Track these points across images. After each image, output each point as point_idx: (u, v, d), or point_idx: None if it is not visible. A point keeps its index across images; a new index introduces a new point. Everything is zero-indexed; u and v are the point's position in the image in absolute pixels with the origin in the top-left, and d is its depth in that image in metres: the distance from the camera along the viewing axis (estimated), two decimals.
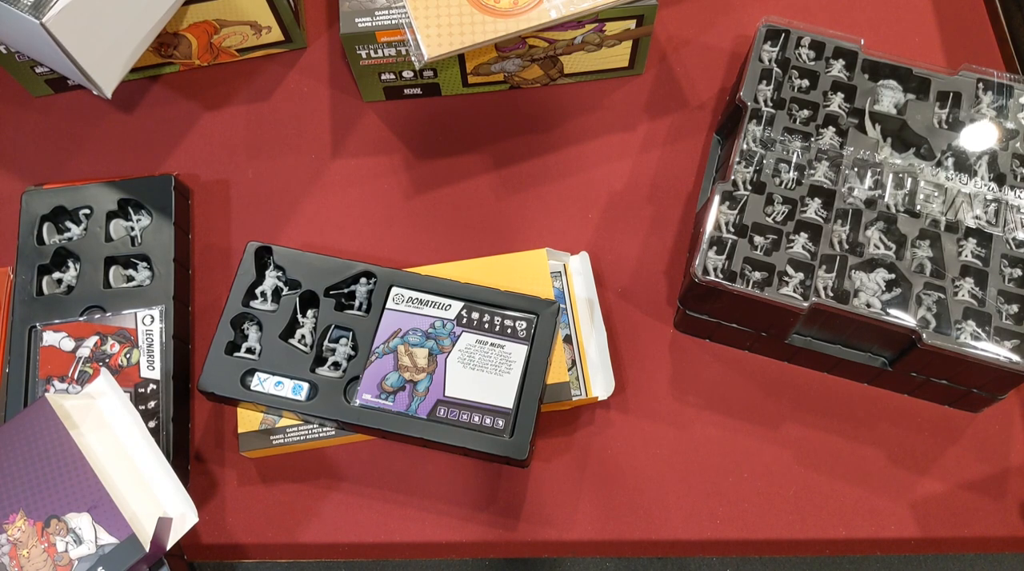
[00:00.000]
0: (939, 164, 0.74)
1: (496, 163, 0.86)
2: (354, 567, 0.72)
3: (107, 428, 0.69)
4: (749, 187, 0.73)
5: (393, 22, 0.78)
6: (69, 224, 0.81)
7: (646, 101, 0.89)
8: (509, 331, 0.72)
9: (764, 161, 0.74)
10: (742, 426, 0.75)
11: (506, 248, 0.80)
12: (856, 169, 0.74)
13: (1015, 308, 0.68)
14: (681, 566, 0.72)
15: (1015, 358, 0.66)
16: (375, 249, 0.83)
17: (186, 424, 0.76)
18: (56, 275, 0.79)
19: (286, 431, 0.72)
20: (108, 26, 0.72)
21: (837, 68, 0.78)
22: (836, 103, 0.77)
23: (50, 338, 0.75)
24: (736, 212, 0.72)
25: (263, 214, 0.85)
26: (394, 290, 0.74)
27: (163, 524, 0.64)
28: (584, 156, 0.86)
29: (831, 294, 0.69)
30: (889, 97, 0.77)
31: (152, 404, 0.74)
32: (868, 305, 0.69)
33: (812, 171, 0.74)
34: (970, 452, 0.74)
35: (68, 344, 0.75)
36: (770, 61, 0.79)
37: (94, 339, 0.75)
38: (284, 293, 0.75)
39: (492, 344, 0.72)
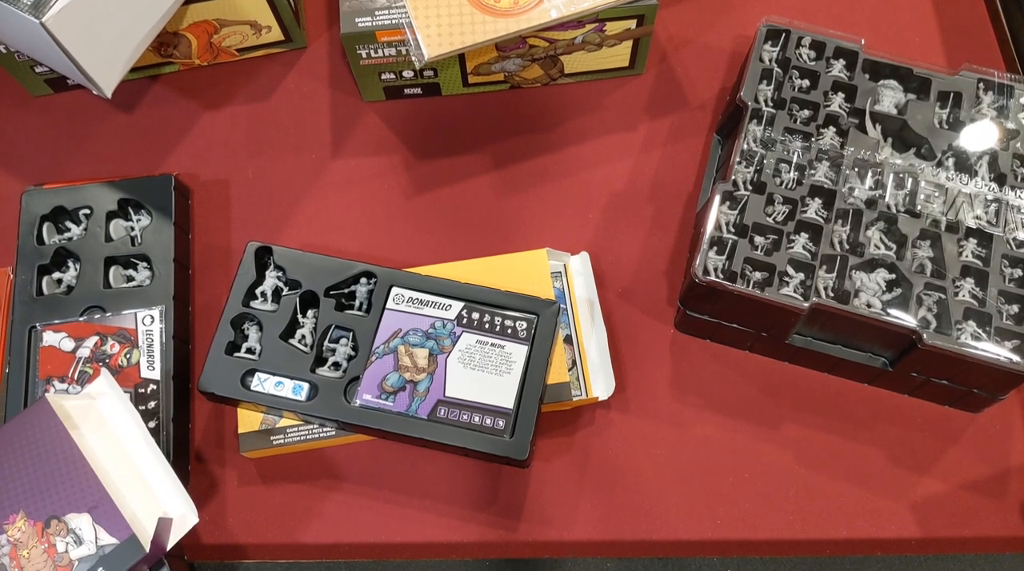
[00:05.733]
0: (940, 164, 0.74)
1: (496, 163, 0.86)
2: (354, 567, 0.72)
3: (107, 428, 0.69)
4: (749, 187, 0.73)
5: (393, 22, 0.78)
6: (69, 224, 0.81)
7: (646, 101, 0.89)
8: (509, 331, 0.72)
9: (764, 161, 0.74)
10: (742, 426, 0.75)
11: (506, 248, 0.80)
12: (856, 169, 0.74)
13: (1015, 308, 0.68)
14: (681, 566, 0.72)
15: (1015, 358, 0.66)
16: (375, 249, 0.83)
17: (186, 424, 0.76)
18: (56, 275, 0.79)
19: (286, 431, 0.72)
20: (108, 26, 0.72)
21: (837, 68, 0.78)
22: (836, 103, 0.77)
23: (50, 338, 0.75)
24: (736, 212, 0.72)
25: (263, 214, 0.85)
26: (394, 290, 0.74)
27: (163, 524, 0.64)
28: (584, 156, 0.86)
29: (831, 294, 0.69)
30: (890, 97, 0.77)
31: (152, 404, 0.74)
32: (868, 305, 0.68)
33: (812, 171, 0.74)
34: (970, 452, 0.74)
35: (68, 344, 0.75)
36: (770, 61, 0.79)
37: (94, 339, 0.75)
38: (284, 293, 0.75)
39: (492, 344, 0.72)
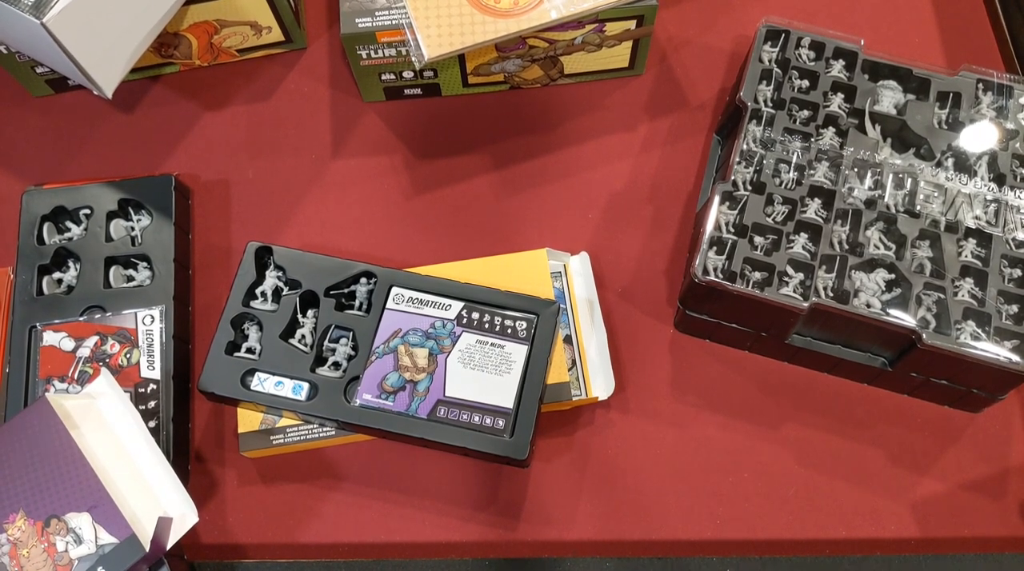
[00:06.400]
0: (939, 164, 0.74)
1: (496, 163, 0.86)
2: (354, 567, 0.72)
3: (107, 428, 0.69)
4: (749, 187, 0.73)
5: (393, 22, 0.78)
6: (69, 224, 0.81)
7: (646, 101, 0.89)
8: (509, 331, 0.72)
9: (764, 161, 0.74)
10: (742, 426, 0.75)
11: (506, 248, 0.80)
12: (856, 169, 0.74)
13: (1015, 308, 0.68)
14: (681, 566, 0.72)
15: (1015, 358, 0.66)
16: (375, 249, 0.83)
17: (186, 424, 0.76)
18: (56, 275, 0.79)
19: (286, 431, 0.72)
20: (108, 26, 0.72)
21: (837, 68, 0.78)
22: (836, 103, 0.77)
23: (50, 338, 0.75)
24: (736, 212, 0.72)
25: (263, 214, 0.85)
26: (394, 290, 0.74)
27: (163, 524, 0.64)
28: (584, 156, 0.86)
29: (831, 294, 0.69)
30: (889, 97, 0.77)
31: (152, 404, 0.74)
32: (868, 305, 0.69)
33: (812, 171, 0.74)
34: (970, 452, 0.74)
35: (68, 344, 0.75)
36: (770, 61, 0.79)
37: (94, 339, 0.75)
38: (284, 293, 0.75)
39: (492, 344, 0.72)
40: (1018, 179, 0.73)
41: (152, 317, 0.76)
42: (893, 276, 0.70)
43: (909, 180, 0.74)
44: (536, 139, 0.87)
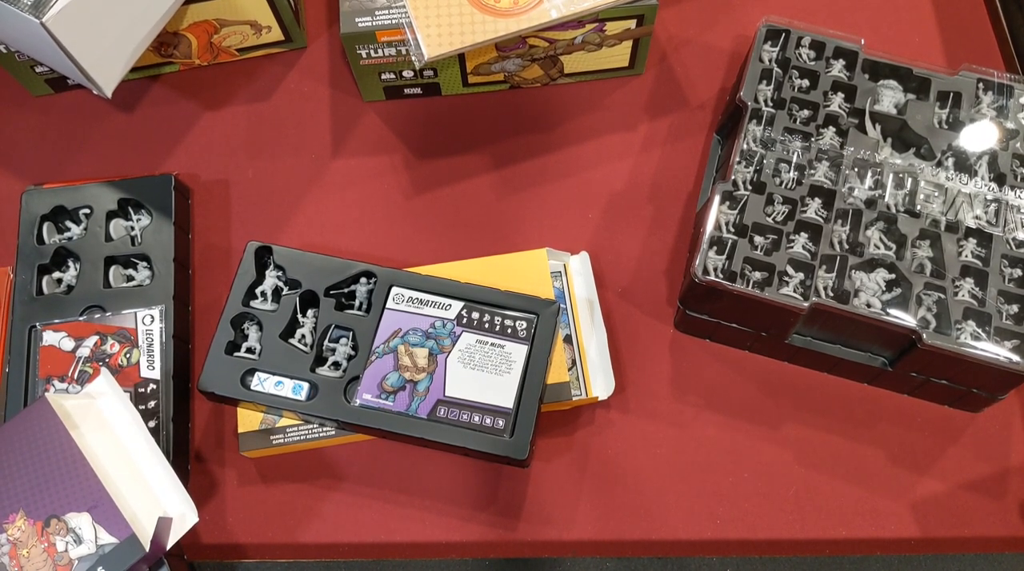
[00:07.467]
0: (939, 164, 0.74)
1: (496, 163, 0.86)
2: (354, 567, 0.72)
3: (107, 428, 0.69)
4: (749, 187, 0.73)
5: (393, 22, 0.78)
6: (69, 224, 0.81)
7: (646, 101, 0.89)
8: (509, 331, 0.72)
9: (764, 161, 0.74)
10: (742, 426, 0.75)
11: (506, 248, 0.80)
12: (856, 169, 0.74)
13: (1015, 308, 0.68)
14: (681, 566, 0.72)
15: (1015, 358, 0.66)
16: (375, 249, 0.83)
17: (186, 424, 0.76)
18: (56, 275, 0.79)
19: (286, 431, 0.72)
20: (108, 25, 0.72)
21: (837, 68, 0.78)
22: (836, 103, 0.77)
23: (50, 338, 0.75)
24: (736, 212, 0.72)
25: (263, 214, 0.85)
26: (394, 290, 0.74)
27: (163, 524, 0.64)
28: (584, 156, 0.86)
29: (831, 294, 0.69)
30: (889, 97, 0.77)
31: (152, 404, 0.74)
32: (868, 305, 0.69)
33: (812, 171, 0.74)
34: (970, 452, 0.74)
35: (68, 344, 0.75)
36: (770, 61, 0.79)
37: (94, 339, 0.75)
38: (284, 293, 0.75)
39: (492, 344, 0.72)
40: (1018, 179, 0.73)
41: (152, 317, 0.76)
42: (893, 276, 0.70)
43: (909, 180, 0.74)
44: (536, 139, 0.87)
